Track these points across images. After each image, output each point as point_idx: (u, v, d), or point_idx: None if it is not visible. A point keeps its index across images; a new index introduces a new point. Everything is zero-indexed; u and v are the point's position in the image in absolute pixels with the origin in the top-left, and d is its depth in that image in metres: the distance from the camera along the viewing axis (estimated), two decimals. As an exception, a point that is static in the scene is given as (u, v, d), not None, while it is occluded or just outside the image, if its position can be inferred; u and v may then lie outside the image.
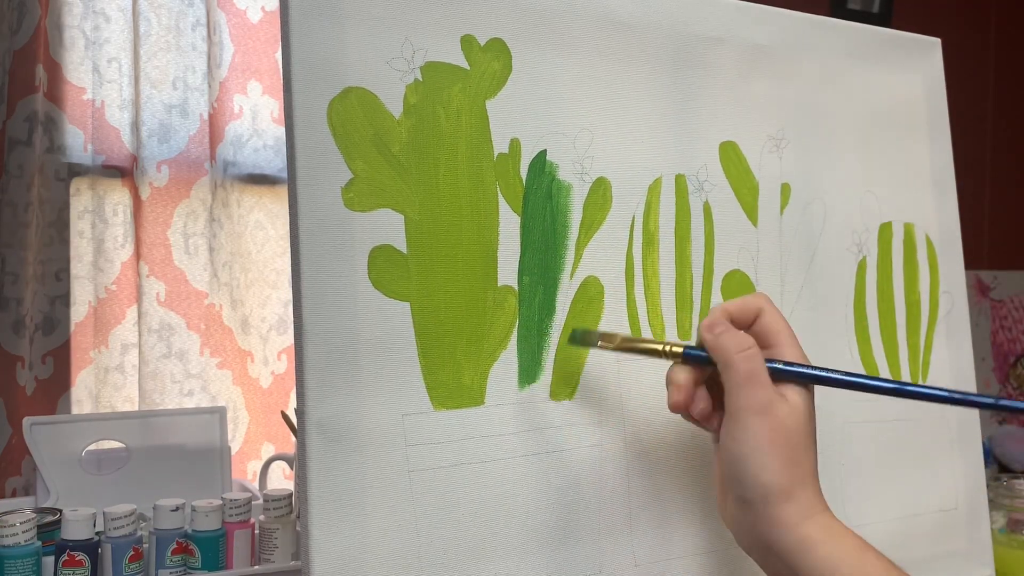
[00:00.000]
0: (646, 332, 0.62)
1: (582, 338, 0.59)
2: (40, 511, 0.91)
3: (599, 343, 0.58)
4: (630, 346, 0.57)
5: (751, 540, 0.52)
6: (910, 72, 0.79)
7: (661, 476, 0.62)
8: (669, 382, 0.55)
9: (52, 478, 0.99)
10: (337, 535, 0.50)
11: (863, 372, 0.73)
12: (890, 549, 0.71)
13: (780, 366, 0.53)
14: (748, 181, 0.68)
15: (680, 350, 0.55)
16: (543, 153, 0.59)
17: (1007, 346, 2.10)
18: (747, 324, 0.55)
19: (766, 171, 0.69)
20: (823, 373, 0.54)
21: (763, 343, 0.54)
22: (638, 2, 0.64)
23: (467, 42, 0.57)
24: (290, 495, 0.90)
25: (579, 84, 0.61)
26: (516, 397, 0.57)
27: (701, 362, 0.54)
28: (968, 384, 0.79)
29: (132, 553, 0.83)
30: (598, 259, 0.61)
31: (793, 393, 0.53)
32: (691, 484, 0.63)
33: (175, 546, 0.85)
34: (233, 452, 1.19)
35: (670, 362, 0.56)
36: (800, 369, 0.53)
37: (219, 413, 1.10)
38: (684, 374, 0.54)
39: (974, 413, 0.78)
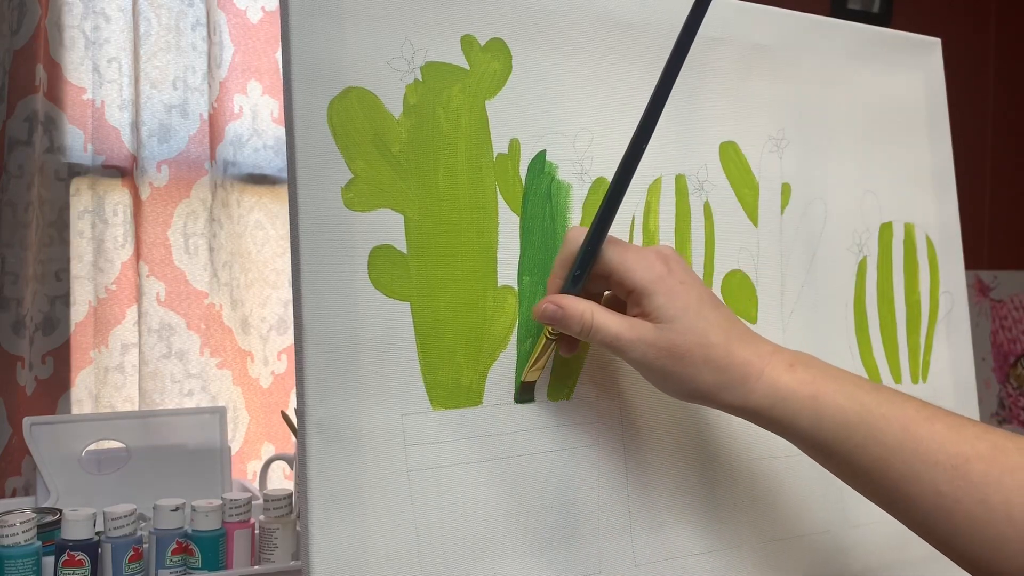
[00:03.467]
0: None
1: (523, 395, 0.57)
2: (40, 511, 0.91)
3: (532, 385, 0.57)
4: (538, 365, 0.57)
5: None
6: (910, 72, 0.79)
7: (660, 476, 0.62)
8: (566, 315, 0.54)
9: (52, 478, 0.99)
10: (337, 535, 0.50)
11: (863, 372, 0.73)
12: (890, 549, 0.71)
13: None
14: (748, 181, 0.68)
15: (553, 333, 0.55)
16: (543, 153, 0.59)
17: (1007, 346, 2.10)
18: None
19: (766, 171, 0.69)
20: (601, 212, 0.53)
21: (605, 274, 0.54)
22: (638, 2, 0.64)
23: (467, 42, 0.57)
24: (290, 495, 0.90)
25: (579, 84, 0.61)
26: (515, 397, 0.57)
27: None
28: (968, 384, 0.79)
29: (132, 553, 0.83)
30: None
31: (657, 297, 0.52)
32: (691, 484, 0.63)
33: (175, 546, 0.85)
34: (233, 452, 1.19)
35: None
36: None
37: (219, 413, 1.10)
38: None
39: (974, 414, 0.78)
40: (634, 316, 0.53)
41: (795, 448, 0.67)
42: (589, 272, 0.54)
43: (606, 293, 0.57)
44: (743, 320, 0.59)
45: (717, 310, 0.53)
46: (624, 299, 0.54)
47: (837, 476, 0.54)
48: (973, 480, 0.48)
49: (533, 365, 0.57)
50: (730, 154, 0.68)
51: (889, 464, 0.50)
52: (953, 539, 0.49)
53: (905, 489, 0.50)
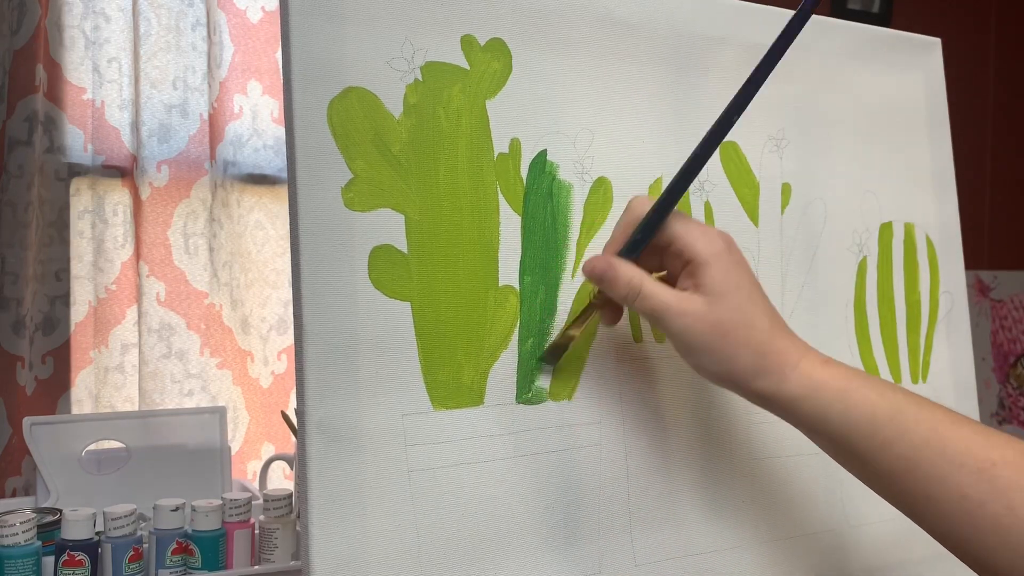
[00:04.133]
0: (647, 332, 0.62)
1: (551, 356, 0.58)
2: (40, 511, 0.91)
3: (564, 348, 0.58)
4: (575, 328, 0.57)
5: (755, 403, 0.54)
6: (910, 72, 0.79)
7: (661, 476, 0.62)
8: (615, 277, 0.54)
9: (52, 478, 0.99)
10: (337, 535, 0.50)
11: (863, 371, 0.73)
12: (890, 549, 0.71)
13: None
14: (749, 181, 0.68)
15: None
16: (543, 153, 0.59)
17: (1007, 346, 2.10)
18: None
19: (767, 171, 0.69)
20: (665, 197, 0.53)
21: (666, 244, 0.54)
22: (638, 2, 0.64)
23: (467, 42, 0.57)
24: (290, 495, 0.90)
25: (579, 84, 0.61)
26: (515, 397, 0.57)
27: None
28: (968, 384, 0.79)
29: (132, 553, 0.83)
30: (598, 259, 0.61)
31: (711, 274, 0.52)
32: (691, 484, 0.63)
33: (175, 546, 0.85)
34: (233, 452, 1.19)
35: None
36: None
37: (219, 413, 1.10)
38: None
39: (974, 414, 0.78)
40: (683, 290, 0.53)
41: (795, 448, 0.68)
42: (651, 238, 0.54)
43: (655, 275, 0.56)
44: None
45: (764, 298, 0.54)
46: (677, 272, 0.54)
47: (860, 478, 0.54)
48: (999, 485, 0.48)
49: (571, 327, 0.56)
50: (730, 154, 0.68)
51: (915, 464, 0.50)
52: (975, 544, 0.49)
53: (929, 491, 0.50)
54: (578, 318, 0.57)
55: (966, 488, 0.48)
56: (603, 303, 0.56)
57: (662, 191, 0.54)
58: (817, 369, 0.52)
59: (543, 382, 0.58)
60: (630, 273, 0.53)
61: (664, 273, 0.56)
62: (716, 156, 0.67)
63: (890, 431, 0.51)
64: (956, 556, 0.50)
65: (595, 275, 0.54)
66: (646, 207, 0.54)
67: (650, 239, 0.54)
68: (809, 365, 0.53)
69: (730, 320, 0.52)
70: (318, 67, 0.52)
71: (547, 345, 0.58)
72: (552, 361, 0.58)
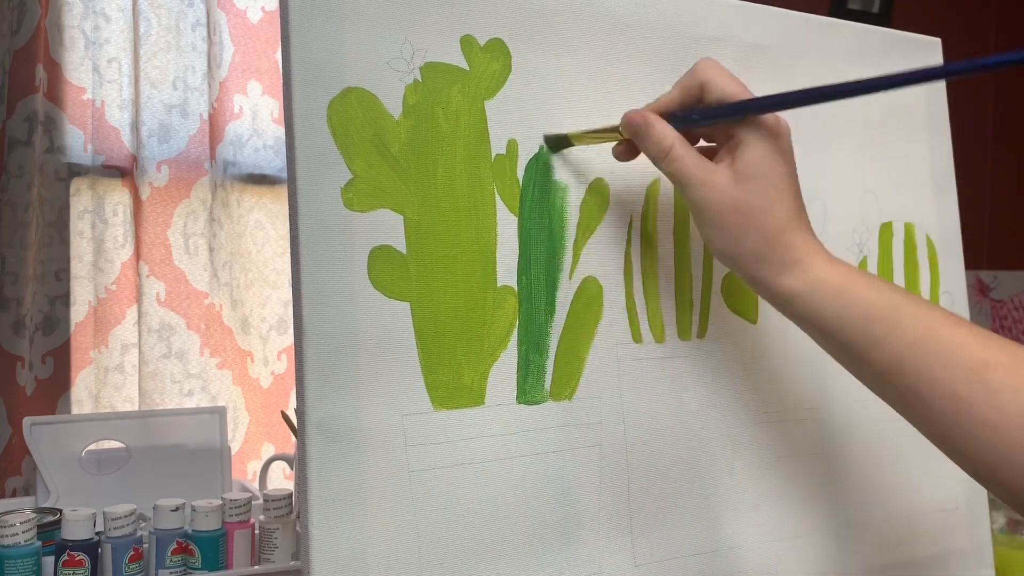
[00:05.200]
0: (647, 333, 0.62)
1: (554, 142, 0.59)
2: (40, 511, 0.91)
3: (570, 143, 0.59)
4: (589, 137, 0.58)
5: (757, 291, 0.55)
6: (910, 72, 0.79)
7: (661, 476, 0.62)
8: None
9: (52, 478, 0.99)
10: (337, 535, 0.50)
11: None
12: (890, 549, 0.71)
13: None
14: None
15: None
16: (540, 154, 0.59)
17: (1007, 346, 2.10)
18: (698, 97, 0.55)
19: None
20: (762, 100, 0.53)
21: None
22: (638, 2, 0.64)
23: (467, 42, 0.57)
24: (290, 495, 0.90)
25: (578, 84, 0.61)
26: (516, 397, 0.57)
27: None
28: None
29: (132, 553, 0.83)
30: (597, 260, 0.61)
31: (749, 155, 0.53)
32: (691, 484, 0.63)
33: (175, 546, 0.85)
34: (233, 452, 1.19)
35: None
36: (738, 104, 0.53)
37: (219, 413, 1.09)
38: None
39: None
40: (718, 163, 0.53)
41: (795, 448, 0.68)
42: (709, 126, 0.55)
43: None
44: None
45: (794, 193, 0.54)
46: (719, 143, 0.55)
47: (856, 376, 0.54)
48: (991, 386, 0.48)
49: (586, 133, 0.58)
50: (730, 154, 0.68)
51: (907, 361, 0.50)
52: (964, 444, 0.48)
53: (920, 389, 0.50)
54: (595, 132, 0.58)
55: (957, 387, 0.48)
56: (625, 140, 0.57)
57: (745, 95, 0.54)
58: (820, 267, 0.53)
59: (543, 382, 0.58)
60: (664, 132, 0.53)
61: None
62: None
63: (883, 327, 0.51)
64: (946, 455, 0.50)
65: (631, 127, 0.54)
66: (713, 80, 0.54)
67: (709, 125, 0.54)
68: (813, 262, 0.53)
69: (748, 202, 0.52)
70: (318, 67, 0.52)
71: (555, 133, 0.59)
72: (550, 144, 0.59)
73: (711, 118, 0.54)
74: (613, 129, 0.58)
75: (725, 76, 0.55)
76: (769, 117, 0.54)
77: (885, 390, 0.52)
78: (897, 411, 0.52)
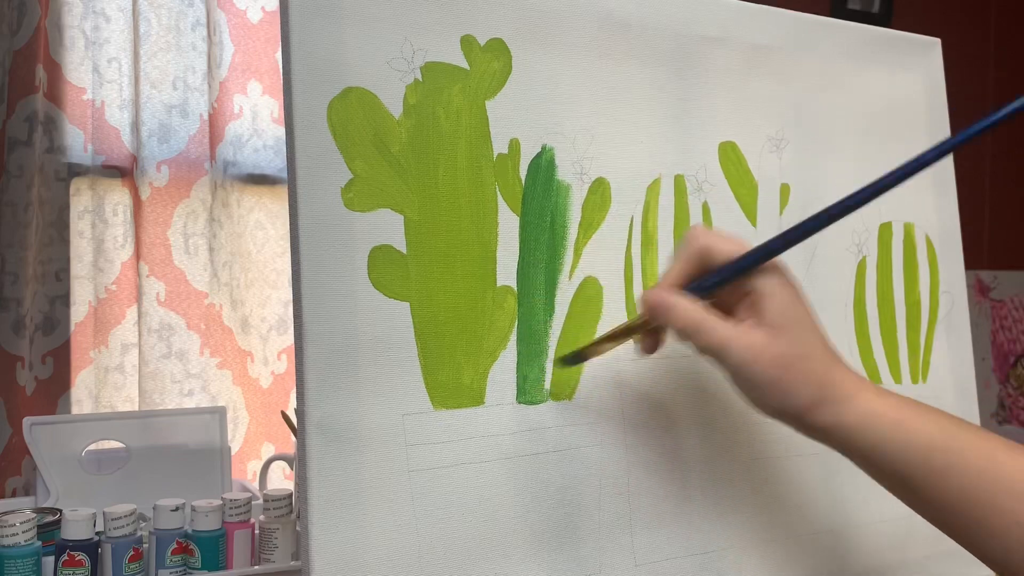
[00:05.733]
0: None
1: (573, 359, 0.58)
2: (40, 511, 0.91)
3: (587, 358, 0.58)
4: (606, 343, 0.57)
5: (808, 435, 0.54)
6: (910, 72, 0.79)
7: (661, 476, 0.62)
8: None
9: (52, 478, 0.99)
10: (337, 535, 0.50)
11: (863, 373, 0.73)
12: (890, 549, 0.71)
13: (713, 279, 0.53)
14: (747, 181, 0.68)
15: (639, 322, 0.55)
16: (542, 153, 0.59)
17: (1007, 346, 2.10)
18: (704, 269, 0.54)
19: (765, 171, 0.69)
20: (766, 247, 0.53)
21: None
22: (638, 2, 0.64)
23: (467, 42, 0.57)
24: (290, 495, 0.90)
25: (579, 84, 0.61)
26: (516, 397, 0.57)
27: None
28: (968, 384, 0.79)
29: (132, 553, 0.83)
30: (597, 259, 0.61)
31: (770, 308, 0.52)
32: (692, 484, 0.63)
33: (175, 546, 0.85)
34: (233, 452, 1.19)
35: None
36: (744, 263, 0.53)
37: (219, 413, 1.10)
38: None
39: (974, 414, 0.78)
40: (741, 322, 0.52)
41: (795, 448, 0.68)
42: (726, 286, 0.53)
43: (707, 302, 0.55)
44: None
45: (820, 329, 0.54)
46: (732, 302, 0.53)
47: (916, 509, 0.54)
48: None
49: (607, 340, 0.57)
50: (729, 154, 0.68)
51: (970, 494, 0.50)
52: None
53: (984, 519, 0.50)
54: (619, 335, 0.57)
55: (1022, 516, 0.49)
56: (644, 331, 0.56)
57: (745, 248, 0.53)
58: (873, 400, 0.52)
59: (543, 382, 0.58)
60: (688, 307, 0.52)
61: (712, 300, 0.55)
62: (715, 156, 0.67)
63: (946, 460, 0.51)
64: None
65: (655, 312, 0.53)
66: (713, 245, 0.53)
67: (723, 288, 0.53)
68: (866, 396, 0.52)
69: (791, 353, 0.51)
70: (318, 67, 0.52)
71: (574, 350, 0.58)
72: (572, 363, 0.58)
73: (726, 279, 0.53)
74: (625, 331, 0.56)
75: (722, 238, 0.54)
76: (776, 261, 0.54)
77: (947, 522, 0.52)
78: (960, 543, 0.52)
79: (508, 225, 0.57)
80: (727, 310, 0.54)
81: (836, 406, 0.52)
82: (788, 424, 0.53)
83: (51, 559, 0.82)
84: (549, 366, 0.58)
